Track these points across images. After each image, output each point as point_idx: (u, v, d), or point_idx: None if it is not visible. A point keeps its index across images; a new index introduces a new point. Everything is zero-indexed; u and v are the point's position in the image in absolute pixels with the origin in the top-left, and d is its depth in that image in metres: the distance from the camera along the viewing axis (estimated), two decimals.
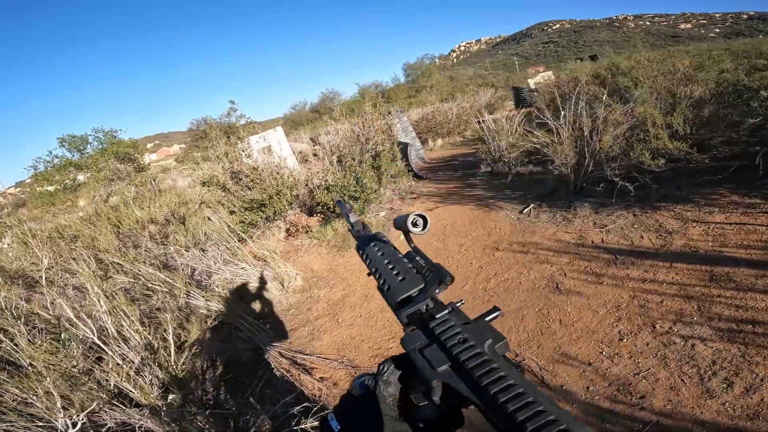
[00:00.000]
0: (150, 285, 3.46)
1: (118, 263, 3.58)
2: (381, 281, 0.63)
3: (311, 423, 2.14)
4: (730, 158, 4.41)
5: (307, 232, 5.68)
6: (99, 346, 1.88)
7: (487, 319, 0.48)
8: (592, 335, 2.52)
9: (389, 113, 9.01)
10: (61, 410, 1.57)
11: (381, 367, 0.51)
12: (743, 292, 2.53)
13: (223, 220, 4.57)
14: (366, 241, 0.77)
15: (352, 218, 0.89)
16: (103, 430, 1.68)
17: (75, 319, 1.90)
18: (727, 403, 1.84)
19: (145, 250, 4.07)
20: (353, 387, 0.52)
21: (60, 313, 2.02)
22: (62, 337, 1.86)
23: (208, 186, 5.57)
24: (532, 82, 19.62)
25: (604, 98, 4.68)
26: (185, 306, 3.35)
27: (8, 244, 5.50)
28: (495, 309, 0.50)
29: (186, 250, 4.04)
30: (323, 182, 5.60)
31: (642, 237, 3.54)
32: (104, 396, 1.73)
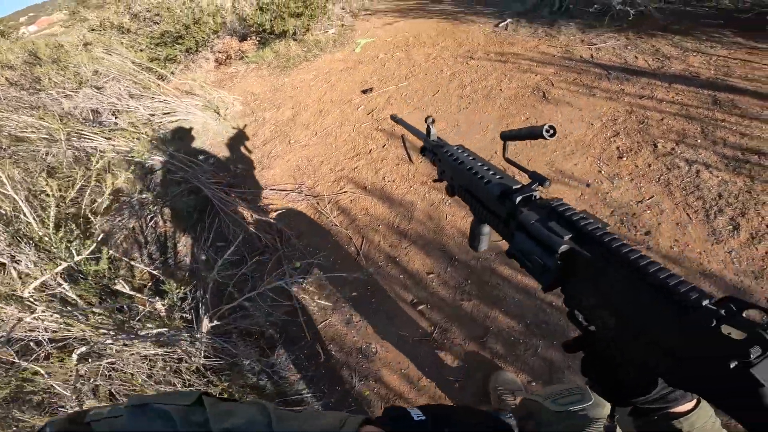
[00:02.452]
0: (21, 134, 2.44)
1: None
2: (478, 176, 0.62)
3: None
4: (733, 11, 3.63)
5: (242, 58, 4.60)
6: None
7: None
8: (588, 150, 2.04)
9: None
10: None
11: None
12: (748, 119, 2.10)
13: (126, 57, 3.45)
14: (446, 144, 0.74)
15: (432, 130, 0.80)
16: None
17: None
18: (733, 252, 1.52)
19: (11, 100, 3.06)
20: None
21: None
22: None
23: (99, 31, 4.34)
24: None
25: None
26: (83, 153, 2.40)
27: None
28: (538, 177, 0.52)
29: (75, 92, 3.01)
30: (255, 2, 4.34)
31: (637, 57, 2.92)
32: None
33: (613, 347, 0.38)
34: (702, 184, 1.76)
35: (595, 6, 3.56)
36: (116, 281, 1.20)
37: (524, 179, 0.54)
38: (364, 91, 3.11)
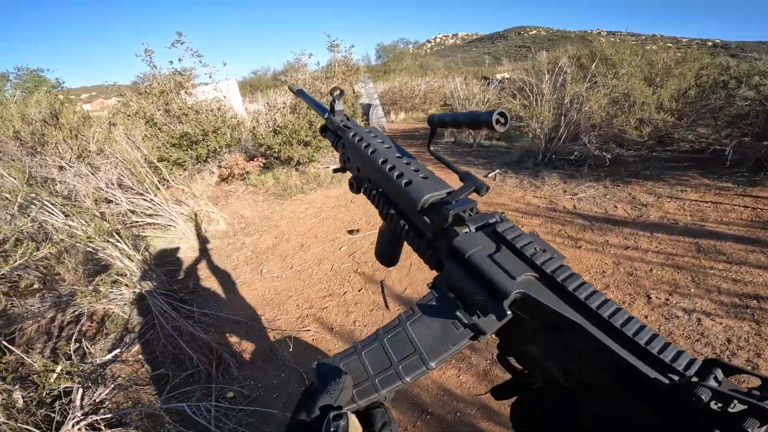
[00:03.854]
0: None
1: None
2: (396, 173, 0.45)
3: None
4: (692, 152, 4.15)
5: (243, 178, 4.78)
6: None
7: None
8: None
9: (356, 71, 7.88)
10: None
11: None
12: (737, 265, 2.07)
13: (137, 146, 3.41)
14: (356, 126, 0.57)
15: (338, 106, 0.62)
16: None
17: None
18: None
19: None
20: None
21: None
22: None
23: (133, 118, 4.39)
24: (498, 76, 19.31)
25: (592, 66, 4.19)
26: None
27: None
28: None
29: (69, 165, 2.89)
30: (271, 123, 4.65)
31: (616, 207, 3.05)
32: None
33: (552, 398, 0.33)
34: (706, 331, 1.64)
35: (576, 153, 3.97)
36: None
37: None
38: (350, 232, 3.14)
